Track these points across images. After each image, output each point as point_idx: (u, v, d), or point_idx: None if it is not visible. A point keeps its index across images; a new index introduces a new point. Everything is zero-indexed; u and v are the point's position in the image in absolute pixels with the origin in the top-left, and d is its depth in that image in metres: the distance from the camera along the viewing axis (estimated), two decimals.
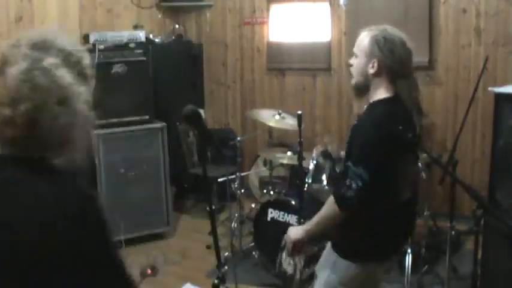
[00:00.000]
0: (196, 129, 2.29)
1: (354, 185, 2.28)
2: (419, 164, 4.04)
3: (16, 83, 1.32)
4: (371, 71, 2.43)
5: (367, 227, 2.42)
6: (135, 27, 5.81)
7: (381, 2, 5.55)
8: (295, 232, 2.61)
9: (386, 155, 2.30)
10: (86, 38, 4.99)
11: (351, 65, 2.55)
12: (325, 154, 4.28)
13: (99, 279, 1.38)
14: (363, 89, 2.51)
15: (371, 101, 2.48)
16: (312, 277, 4.06)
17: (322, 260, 2.66)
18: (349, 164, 2.30)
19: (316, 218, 2.54)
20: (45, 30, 1.47)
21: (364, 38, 2.47)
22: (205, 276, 4.39)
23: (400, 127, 2.25)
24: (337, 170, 4.04)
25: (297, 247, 2.60)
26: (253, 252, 4.56)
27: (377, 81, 2.44)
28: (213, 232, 2.70)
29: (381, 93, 2.44)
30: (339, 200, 2.35)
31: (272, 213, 4.34)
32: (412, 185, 2.56)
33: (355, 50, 2.51)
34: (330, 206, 2.42)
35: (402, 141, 2.26)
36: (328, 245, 2.61)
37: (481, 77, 4.33)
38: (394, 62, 2.41)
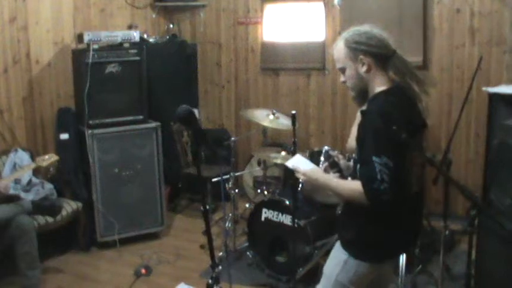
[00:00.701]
0: (190, 129, 2.28)
1: (385, 177, 2.25)
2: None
3: None
4: (364, 68, 2.43)
5: (381, 224, 2.42)
6: (130, 27, 5.79)
7: (376, 1, 5.55)
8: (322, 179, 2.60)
9: (397, 139, 2.28)
10: (80, 38, 4.97)
11: (344, 82, 2.54)
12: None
13: None
14: (364, 96, 2.50)
15: (371, 95, 2.47)
16: (310, 276, 4.07)
17: (330, 258, 2.64)
18: (374, 158, 2.28)
19: (336, 189, 2.51)
20: None
21: (340, 48, 2.48)
22: (199, 276, 4.39)
23: (394, 127, 2.24)
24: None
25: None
26: (247, 252, 4.55)
27: (371, 77, 2.44)
28: (207, 232, 2.70)
29: (378, 87, 2.44)
30: (373, 195, 2.29)
31: (266, 213, 4.34)
32: (419, 178, 2.54)
33: (340, 65, 2.51)
34: (356, 194, 2.35)
35: (398, 141, 2.26)
36: (337, 243, 2.59)
37: (475, 77, 4.34)
38: (375, 46, 2.41)
